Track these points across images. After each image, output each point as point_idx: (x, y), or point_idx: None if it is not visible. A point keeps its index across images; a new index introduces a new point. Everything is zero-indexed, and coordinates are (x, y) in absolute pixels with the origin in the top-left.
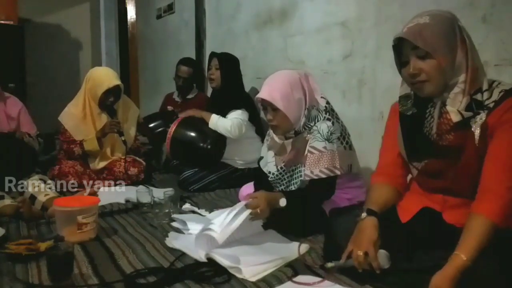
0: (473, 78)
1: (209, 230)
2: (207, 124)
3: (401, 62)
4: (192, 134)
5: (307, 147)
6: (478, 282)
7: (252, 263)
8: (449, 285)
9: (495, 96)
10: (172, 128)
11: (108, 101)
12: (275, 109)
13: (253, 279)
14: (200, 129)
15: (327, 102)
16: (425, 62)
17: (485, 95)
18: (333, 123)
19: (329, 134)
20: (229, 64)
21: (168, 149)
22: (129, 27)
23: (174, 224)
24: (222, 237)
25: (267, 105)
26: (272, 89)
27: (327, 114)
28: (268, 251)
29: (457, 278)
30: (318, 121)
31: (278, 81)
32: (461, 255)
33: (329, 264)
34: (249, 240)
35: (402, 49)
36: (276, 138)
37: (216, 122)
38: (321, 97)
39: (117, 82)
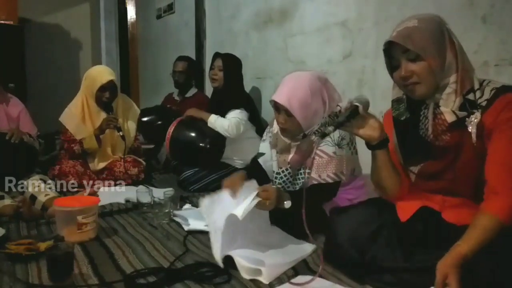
0: (464, 78)
1: (230, 211)
2: (206, 124)
3: (392, 66)
4: (191, 133)
5: (315, 150)
6: (477, 279)
7: (275, 266)
8: (455, 271)
9: (487, 94)
10: (171, 128)
11: (104, 97)
12: (290, 114)
13: (267, 281)
14: (199, 128)
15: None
16: (416, 64)
17: (477, 94)
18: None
19: (339, 139)
20: (232, 66)
21: (167, 149)
22: (129, 27)
23: (175, 219)
24: (242, 214)
25: (282, 109)
26: (291, 95)
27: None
28: (287, 252)
29: (459, 265)
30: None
31: (300, 87)
32: (464, 246)
33: (329, 128)
34: (265, 240)
35: (392, 53)
36: (282, 136)
37: (214, 121)
38: (337, 106)
39: (110, 77)
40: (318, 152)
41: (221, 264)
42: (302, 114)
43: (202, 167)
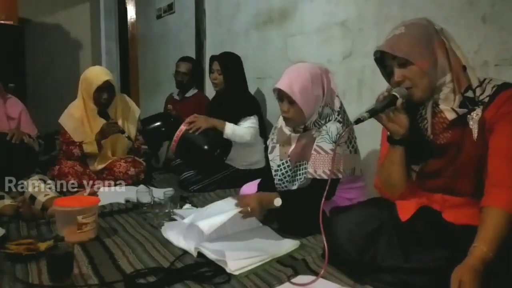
0: (460, 76)
1: (198, 222)
2: (216, 129)
3: (387, 73)
4: (201, 138)
5: (314, 145)
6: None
7: (236, 257)
8: (471, 276)
9: (489, 91)
10: (183, 128)
11: (102, 98)
12: (291, 102)
13: (237, 273)
14: (209, 134)
15: (341, 103)
16: (407, 69)
17: (478, 91)
18: (342, 126)
19: (337, 137)
20: (231, 66)
21: (174, 146)
22: (129, 27)
23: (174, 217)
24: (209, 229)
25: (284, 97)
26: (292, 80)
27: (339, 115)
28: (255, 246)
29: (479, 270)
30: (329, 120)
31: (300, 73)
32: (481, 246)
33: (364, 114)
34: (239, 235)
35: (385, 61)
36: (284, 129)
37: (232, 132)
38: (336, 96)
39: (106, 77)
40: (315, 147)
41: (194, 254)
42: (303, 99)
43: (204, 171)
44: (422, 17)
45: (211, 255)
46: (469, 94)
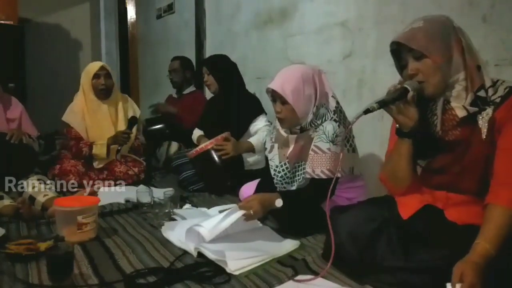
0: (474, 76)
1: (200, 227)
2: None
3: (401, 66)
4: (223, 161)
5: (312, 145)
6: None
7: (236, 257)
8: (473, 271)
9: (501, 92)
10: (211, 145)
11: (100, 85)
12: (284, 102)
13: (237, 273)
14: (230, 163)
15: (337, 103)
16: (421, 62)
17: (490, 91)
18: (339, 125)
19: (334, 136)
20: (219, 66)
21: (193, 155)
22: (129, 27)
23: (174, 217)
24: (210, 235)
25: (277, 97)
26: (284, 81)
27: (335, 115)
28: (255, 247)
29: (481, 266)
30: (325, 120)
31: (292, 74)
32: (483, 243)
33: (373, 105)
34: (239, 235)
35: (401, 53)
36: (281, 131)
37: (260, 144)
38: (332, 96)
39: (101, 64)
40: (313, 147)
41: (194, 254)
42: (295, 99)
43: (208, 183)
44: (441, 14)
45: (211, 255)
46: (482, 93)
